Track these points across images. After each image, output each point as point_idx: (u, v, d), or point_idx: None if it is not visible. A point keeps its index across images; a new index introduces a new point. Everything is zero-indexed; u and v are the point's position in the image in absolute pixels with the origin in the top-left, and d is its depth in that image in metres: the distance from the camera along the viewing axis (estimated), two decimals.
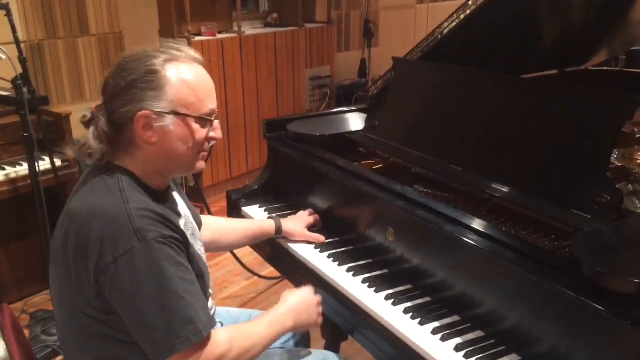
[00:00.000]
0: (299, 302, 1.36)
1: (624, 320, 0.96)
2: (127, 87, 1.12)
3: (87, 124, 1.19)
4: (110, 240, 1.06)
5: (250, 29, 4.01)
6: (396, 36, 5.09)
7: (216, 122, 1.23)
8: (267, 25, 4.22)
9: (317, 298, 1.42)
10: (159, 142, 1.15)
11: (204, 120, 1.19)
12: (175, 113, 1.15)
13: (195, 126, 1.18)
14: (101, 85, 1.18)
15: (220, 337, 1.15)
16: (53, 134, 2.60)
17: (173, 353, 1.07)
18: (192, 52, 1.21)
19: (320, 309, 1.41)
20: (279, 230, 1.68)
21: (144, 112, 1.12)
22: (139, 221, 1.07)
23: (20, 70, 2.27)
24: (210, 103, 1.20)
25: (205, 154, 1.24)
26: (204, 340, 1.10)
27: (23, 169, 2.46)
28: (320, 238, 1.67)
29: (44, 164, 2.49)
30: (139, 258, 1.06)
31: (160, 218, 1.11)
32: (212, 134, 1.22)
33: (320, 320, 1.40)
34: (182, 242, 1.15)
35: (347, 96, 4.59)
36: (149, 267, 1.06)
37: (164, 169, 1.21)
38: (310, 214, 1.75)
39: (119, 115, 1.14)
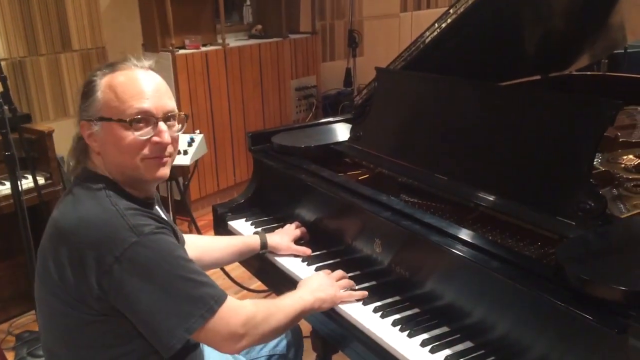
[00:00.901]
0: (312, 280, 1.42)
1: (610, 328, 0.95)
2: (78, 101, 1.20)
3: None
4: (108, 242, 1.08)
5: (234, 41, 4.01)
6: (381, 45, 5.11)
7: (162, 125, 1.17)
8: (251, 36, 4.21)
9: (333, 275, 1.45)
10: (101, 150, 1.18)
11: (127, 123, 1.14)
12: (101, 118, 1.16)
13: (120, 130, 1.14)
14: None
15: (245, 302, 1.22)
16: (35, 151, 2.56)
17: (190, 333, 1.11)
18: (143, 61, 1.21)
19: (339, 283, 1.42)
20: (264, 245, 1.67)
21: (82, 121, 1.18)
22: (133, 219, 1.10)
23: (0, 89, 2.25)
24: (138, 103, 1.14)
25: (158, 160, 1.18)
26: (221, 312, 1.13)
27: (5, 188, 2.43)
28: (307, 251, 1.66)
29: (27, 183, 2.46)
30: (141, 251, 1.08)
31: (150, 214, 1.16)
32: (155, 138, 1.16)
33: (341, 295, 1.40)
34: (174, 231, 1.21)
35: (333, 106, 4.59)
36: (152, 258, 1.09)
37: (125, 178, 1.19)
38: (297, 227, 1.74)
39: (78, 128, 1.20)
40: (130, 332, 1.14)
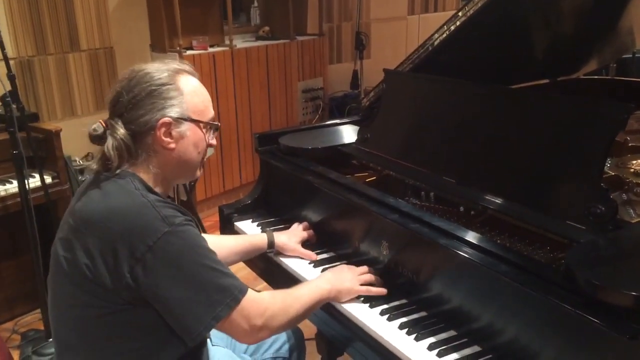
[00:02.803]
0: (333, 271, 1.47)
1: (621, 333, 0.94)
2: (146, 98, 1.21)
3: (97, 137, 1.24)
4: (141, 232, 1.12)
5: (241, 42, 4.01)
6: (388, 47, 5.10)
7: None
8: (258, 38, 4.22)
9: (357, 269, 1.46)
10: (176, 147, 1.24)
11: (211, 125, 1.31)
12: (190, 119, 1.25)
13: (204, 131, 1.29)
14: (110, 99, 1.25)
15: (263, 294, 1.26)
16: (43, 150, 2.57)
17: (217, 320, 1.16)
18: (190, 67, 1.32)
19: (359, 277, 1.43)
20: (271, 244, 1.67)
21: (165, 119, 1.22)
22: (163, 210, 1.15)
23: (9, 88, 2.25)
24: (212, 110, 1.33)
25: (204, 160, 1.34)
26: (244, 303, 1.18)
27: (13, 186, 2.44)
28: (312, 256, 1.65)
29: (34, 181, 2.46)
30: (172, 241, 1.13)
31: (177, 206, 1.21)
32: (214, 141, 1.34)
33: (358, 288, 1.41)
34: (196, 224, 1.25)
35: (340, 108, 4.59)
36: (183, 248, 1.14)
37: (173, 175, 1.29)
38: (305, 228, 1.73)
39: (139, 124, 1.21)
40: (151, 324, 1.17)
